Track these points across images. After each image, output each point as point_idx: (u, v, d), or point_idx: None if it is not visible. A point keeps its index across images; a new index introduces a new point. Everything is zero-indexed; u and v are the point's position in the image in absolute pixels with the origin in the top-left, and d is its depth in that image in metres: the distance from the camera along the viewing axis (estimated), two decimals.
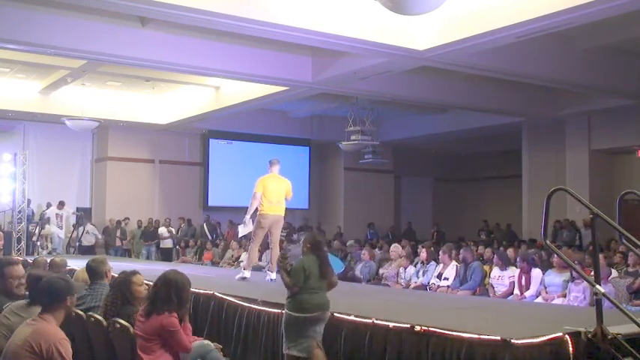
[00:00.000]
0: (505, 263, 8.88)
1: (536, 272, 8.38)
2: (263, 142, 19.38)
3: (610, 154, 16.37)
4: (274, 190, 8.07)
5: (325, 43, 9.71)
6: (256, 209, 8.20)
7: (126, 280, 4.93)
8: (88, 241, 16.18)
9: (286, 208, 8.37)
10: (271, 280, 8.11)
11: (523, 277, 8.42)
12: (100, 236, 16.68)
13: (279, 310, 5.81)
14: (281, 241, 9.82)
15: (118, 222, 17.23)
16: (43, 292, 3.89)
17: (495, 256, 9.17)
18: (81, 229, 16.23)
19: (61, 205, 15.86)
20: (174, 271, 4.64)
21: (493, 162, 21.79)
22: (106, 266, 5.61)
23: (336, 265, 10.63)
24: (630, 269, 8.33)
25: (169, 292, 4.42)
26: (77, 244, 16.36)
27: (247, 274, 8.38)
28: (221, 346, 5.11)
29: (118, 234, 17.11)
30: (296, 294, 4.99)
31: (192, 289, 6.91)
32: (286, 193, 8.23)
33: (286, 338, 5.01)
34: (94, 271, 5.54)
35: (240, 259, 12.29)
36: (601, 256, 8.30)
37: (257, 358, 5.96)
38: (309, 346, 4.86)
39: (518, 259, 8.73)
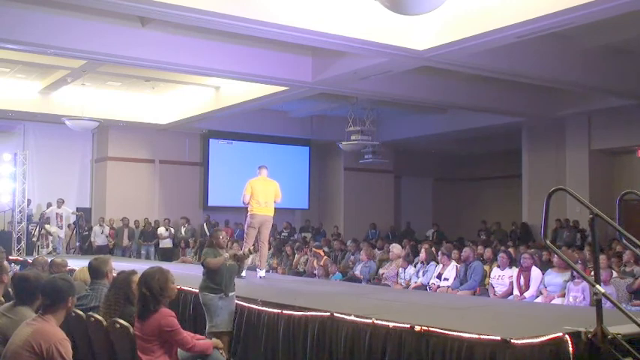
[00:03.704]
0: (512, 263, 8.88)
1: (535, 272, 8.37)
2: (263, 142, 19.36)
3: (610, 154, 16.37)
4: (262, 191, 8.57)
5: (325, 43, 9.71)
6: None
7: (127, 279, 4.93)
8: (102, 241, 16.43)
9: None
10: (260, 277, 8.68)
11: (522, 277, 8.42)
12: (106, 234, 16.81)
13: (279, 311, 5.83)
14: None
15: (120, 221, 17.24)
16: (46, 293, 3.88)
17: (502, 254, 9.12)
18: (97, 228, 16.57)
19: (61, 202, 15.87)
20: (150, 268, 4.72)
21: (493, 162, 21.77)
22: (107, 266, 5.60)
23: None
24: (627, 269, 8.33)
25: (151, 287, 4.47)
26: (77, 244, 16.38)
27: (262, 272, 8.83)
28: (222, 346, 5.11)
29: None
30: None
31: (192, 289, 6.98)
32: (275, 195, 8.68)
33: None
34: (97, 270, 5.51)
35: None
36: (602, 256, 8.32)
37: (257, 357, 5.97)
38: None
39: (523, 257, 8.70)
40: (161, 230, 17.01)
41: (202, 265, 6.15)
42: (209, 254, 6.08)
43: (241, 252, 6.54)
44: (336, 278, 10.81)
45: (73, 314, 4.98)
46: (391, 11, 7.00)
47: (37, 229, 15.54)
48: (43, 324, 3.71)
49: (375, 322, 4.84)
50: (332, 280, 10.72)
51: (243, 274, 8.15)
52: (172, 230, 17.19)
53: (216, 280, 6.03)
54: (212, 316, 6.01)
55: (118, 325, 4.60)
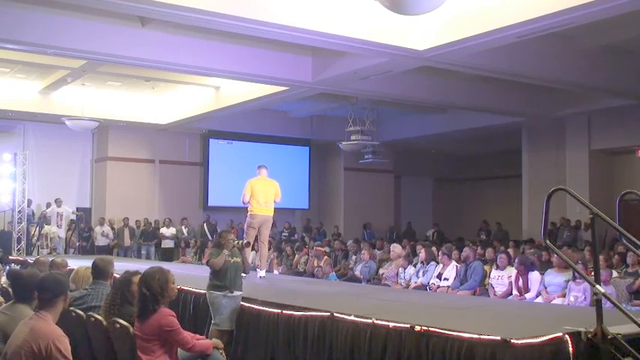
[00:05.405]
0: (509, 263, 8.89)
1: (534, 275, 8.33)
2: (263, 142, 19.37)
3: (610, 154, 16.37)
4: (262, 191, 8.56)
5: (325, 43, 9.71)
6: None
7: (126, 280, 4.93)
8: (103, 241, 16.53)
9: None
10: (260, 277, 8.69)
11: (520, 279, 8.40)
12: (111, 236, 16.82)
13: (279, 311, 5.83)
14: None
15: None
16: (47, 286, 3.86)
17: (501, 255, 9.12)
18: (98, 228, 16.70)
19: (59, 202, 15.88)
20: (150, 268, 4.73)
21: (493, 162, 21.78)
22: (112, 267, 5.61)
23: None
24: (630, 270, 8.32)
25: (151, 287, 4.48)
26: (77, 244, 16.39)
27: (262, 272, 8.84)
28: (222, 346, 5.11)
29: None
30: None
31: (192, 289, 6.98)
32: (275, 195, 8.67)
33: None
34: (101, 271, 5.49)
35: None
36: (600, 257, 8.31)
37: (257, 357, 5.96)
38: None
39: (515, 261, 8.71)
40: (165, 230, 17.02)
41: (207, 265, 6.18)
42: (214, 254, 6.11)
43: (236, 242, 6.52)
44: (332, 278, 10.80)
45: (74, 314, 4.99)
46: (391, 11, 7.00)
47: (37, 229, 15.54)
48: (39, 322, 3.70)
49: (375, 322, 4.84)
50: (329, 280, 10.71)
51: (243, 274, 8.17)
52: (174, 230, 17.21)
53: (221, 277, 6.06)
54: (215, 314, 6.04)
55: (118, 325, 4.60)
